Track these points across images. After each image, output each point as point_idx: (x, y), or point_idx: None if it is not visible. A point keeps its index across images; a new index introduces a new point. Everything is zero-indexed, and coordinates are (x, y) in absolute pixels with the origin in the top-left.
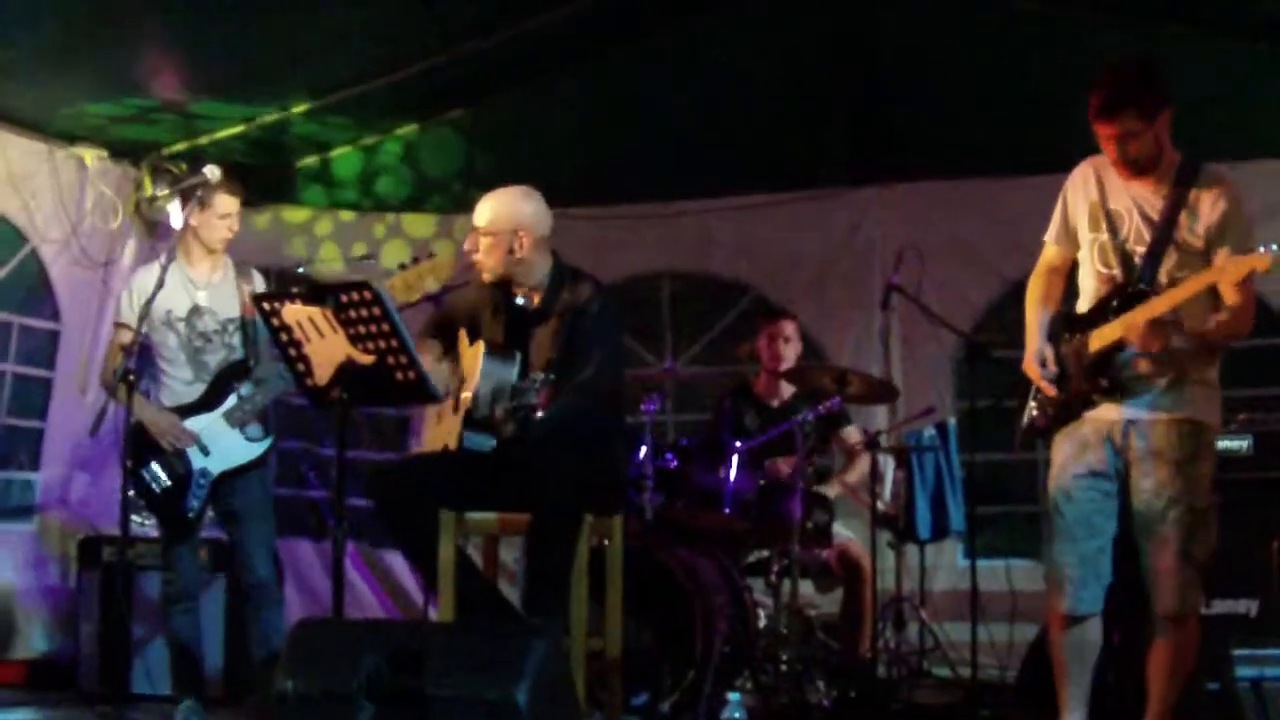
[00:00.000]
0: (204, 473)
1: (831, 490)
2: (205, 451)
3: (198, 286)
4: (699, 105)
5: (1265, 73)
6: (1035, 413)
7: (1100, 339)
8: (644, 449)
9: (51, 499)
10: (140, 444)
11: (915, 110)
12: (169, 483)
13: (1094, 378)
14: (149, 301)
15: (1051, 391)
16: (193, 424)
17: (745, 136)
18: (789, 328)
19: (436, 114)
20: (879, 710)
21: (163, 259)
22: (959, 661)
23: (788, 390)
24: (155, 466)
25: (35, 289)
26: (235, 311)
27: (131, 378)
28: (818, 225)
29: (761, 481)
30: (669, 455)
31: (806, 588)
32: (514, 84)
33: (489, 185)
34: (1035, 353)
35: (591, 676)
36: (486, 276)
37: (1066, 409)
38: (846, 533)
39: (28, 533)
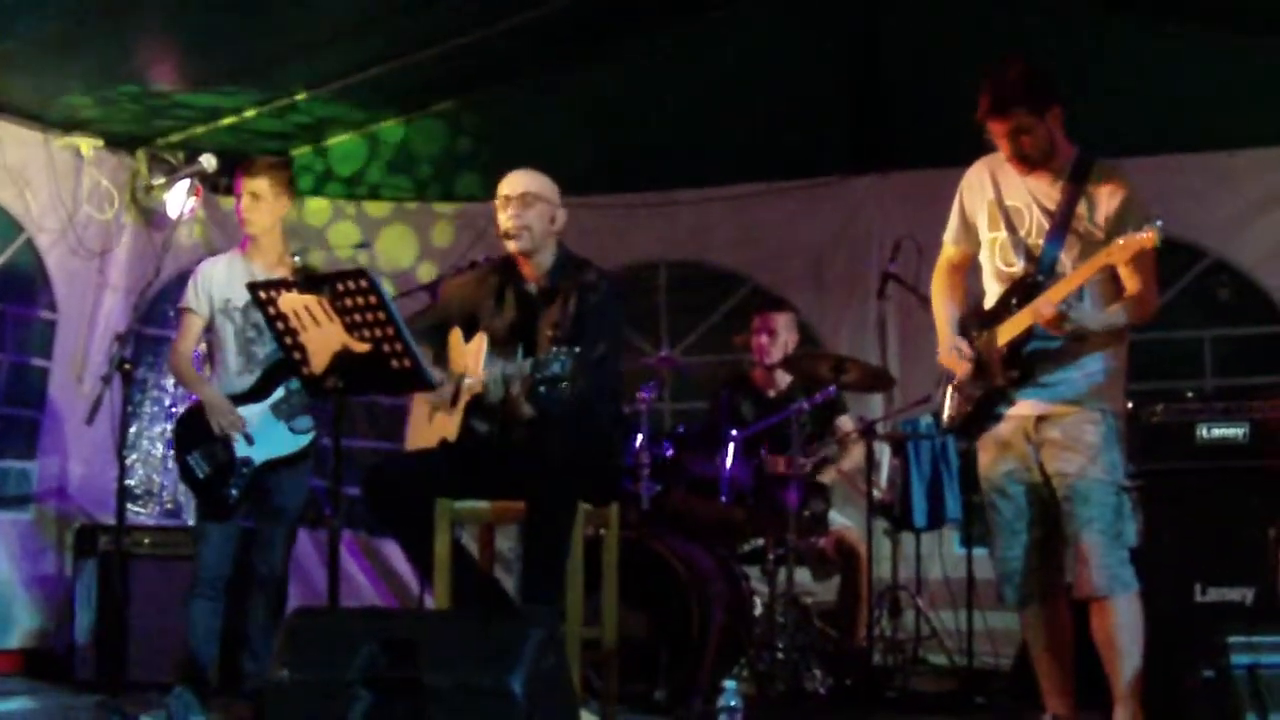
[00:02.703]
0: (247, 461)
1: (827, 477)
2: (250, 441)
3: (256, 278)
4: (697, 95)
5: (1265, 64)
6: (953, 409)
7: (1008, 331)
8: (640, 438)
9: (48, 488)
10: (189, 429)
11: (913, 99)
12: (211, 469)
13: (1007, 370)
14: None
15: (963, 371)
16: (243, 413)
17: (743, 125)
18: (777, 321)
19: (434, 103)
20: (875, 698)
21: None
22: (955, 649)
23: (784, 379)
24: (199, 452)
25: (31, 279)
26: None
27: (126, 367)
28: (815, 214)
29: (763, 452)
30: (665, 444)
31: (803, 576)
32: (513, 74)
33: (487, 174)
34: (949, 346)
35: (587, 665)
36: (517, 246)
37: (985, 404)
38: (843, 520)
39: (24, 521)
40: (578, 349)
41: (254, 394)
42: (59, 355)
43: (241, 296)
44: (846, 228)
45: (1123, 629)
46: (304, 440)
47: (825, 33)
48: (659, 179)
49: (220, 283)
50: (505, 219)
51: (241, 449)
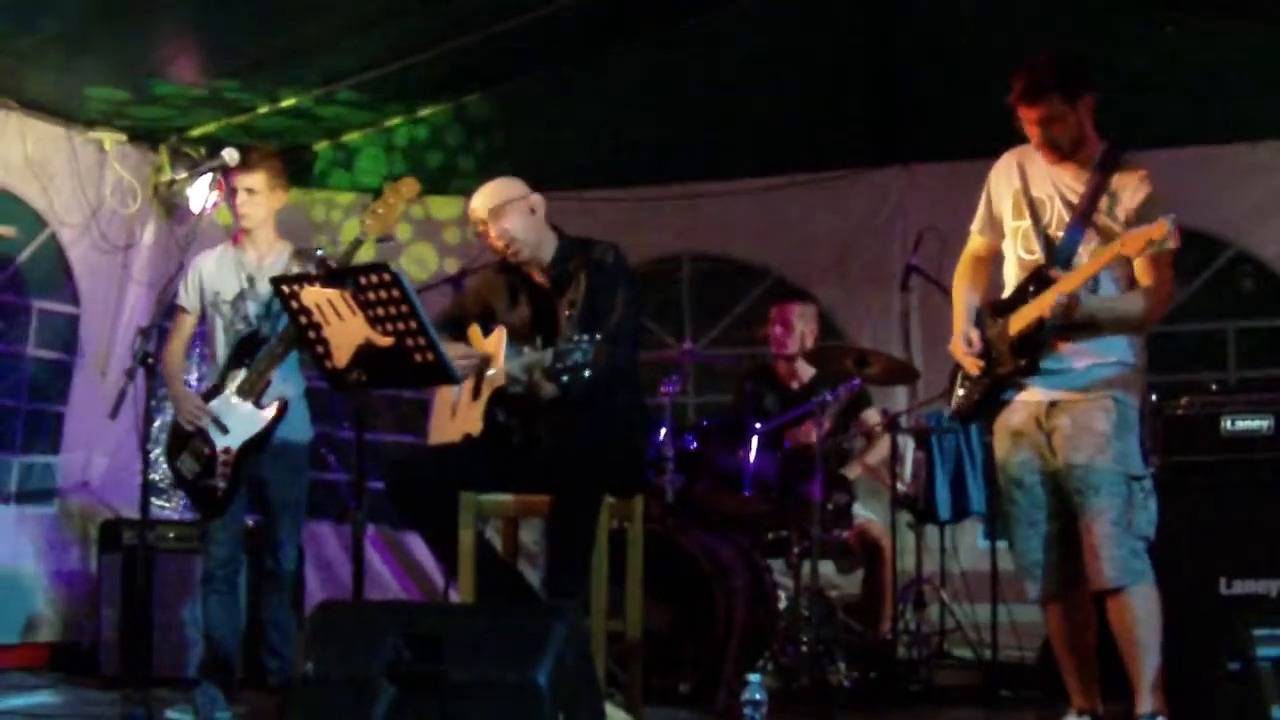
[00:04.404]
0: (226, 450)
1: (852, 472)
2: (224, 430)
3: (247, 270)
4: (719, 87)
5: None
6: (961, 396)
7: (1020, 320)
8: (664, 430)
9: (72, 482)
10: (174, 435)
11: (935, 91)
12: (198, 467)
13: (1016, 358)
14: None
15: (975, 369)
16: (214, 405)
17: (765, 118)
18: (793, 312)
19: (456, 97)
20: (899, 691)
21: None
22: (979, 642)
23: (808, 372)
24: (185, 453)
25: (55, 273)
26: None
27: (150, 361)
28: (838, 207)
29: (787, 445)
30: (689, 437)
31: (827, 569)
32: (536, 66)
33: (509, 168)
34: (961, 334)
35: (611, 658)
36: (522, 255)
37: (993, 391)
38: (866, 513)
39: (48, 516)
40: (598, 335)
41: (222, 384)
42: (83, 350)
43: (230, 289)
44: (870, 220)
45: (1140, 620)
46: (270, 414)
47: (849, 24)
48: (682, 172)
49: (210, 276)
50: (494, 241)
51: (219, 440)
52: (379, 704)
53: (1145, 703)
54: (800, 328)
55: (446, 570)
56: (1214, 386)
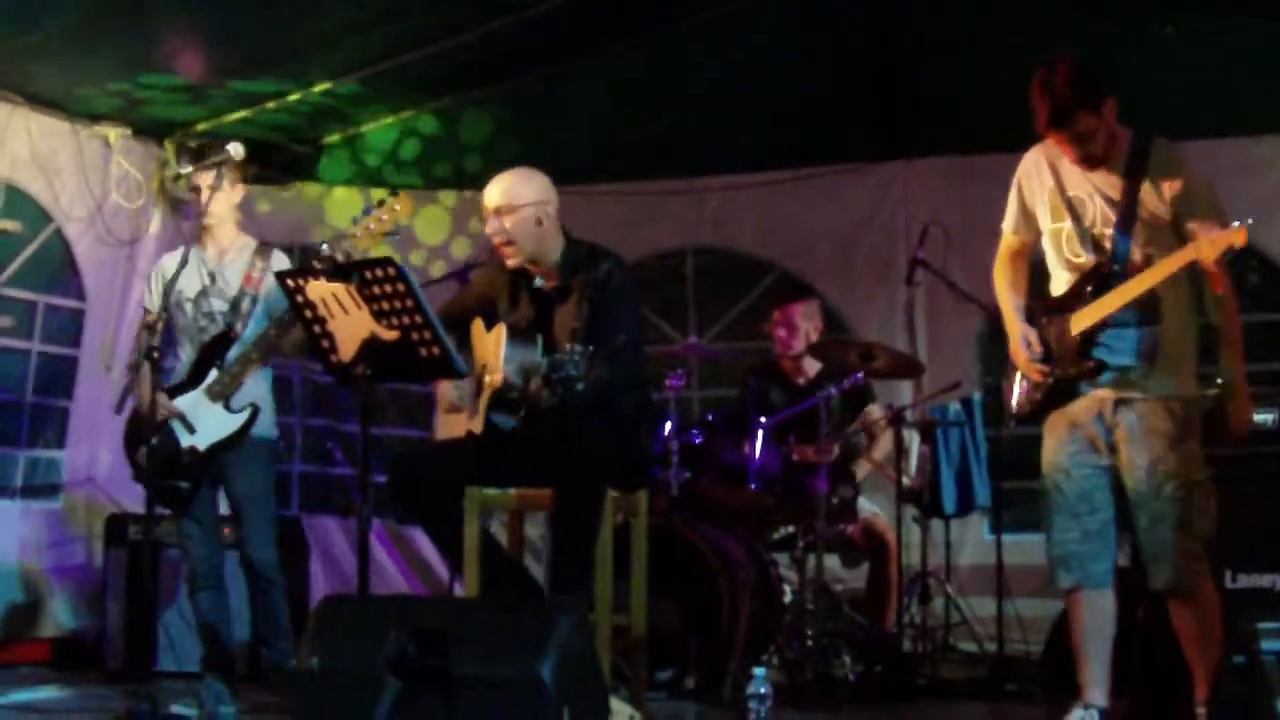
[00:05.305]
0: (191, 450)
1: (861, 470)
2: (191, 429)
3: (208, 267)
4: (724, 81)
5: None
6: (1022, 397)
7: (1081, 321)
8: (669, 425)
9: (77, 477)
10: (135, 429)
11: (940, 84)
12: (160, 464)
13: (1081, 360)
14: (172, 282)
15: (1038, 376)
16: (180, 402)
17: (770, 112)
18: (795, 312)
19: (462, 91)
20: (905, 684)
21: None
22: (984, 636)
23: (813, 367)
24: (146, 450)
25: (60, 268)
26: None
27: (156, 355)
28: (843, 201)
29: (795, 459)
30: (694, 431)
31: (832, 563)
32: (540, 61)
33: (514, 163)
34: (1020, 337)
35: (616, 653)
36: (516, 260)
37: (1055, 392)
38: (872, 507)
39: (54, 511)
40: (591, 348)
41: (191, 381)
42: (87, 344)
43: (192, 288)
44: (874, 214)
45: (1200, 617)
46: (242, 418)
47: (853, 18)
48: (686, 166)
49: (171, 276)
50: (492, 235)
51: (184, 438)
52: (384, 698)
53: (1205, 690)
54: (804, 327)
55: (451, 565)
56: (1219, 381)
